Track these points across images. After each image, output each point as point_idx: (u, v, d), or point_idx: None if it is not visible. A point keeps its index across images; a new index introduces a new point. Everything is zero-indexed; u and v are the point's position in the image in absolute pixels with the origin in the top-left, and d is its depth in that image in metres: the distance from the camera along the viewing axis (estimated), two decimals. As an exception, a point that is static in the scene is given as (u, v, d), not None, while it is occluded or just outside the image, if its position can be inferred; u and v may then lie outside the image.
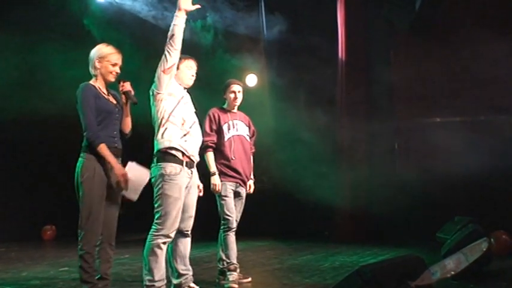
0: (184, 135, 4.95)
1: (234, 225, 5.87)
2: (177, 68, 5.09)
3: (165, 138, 4.90)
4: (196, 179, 5.30)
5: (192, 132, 5.03)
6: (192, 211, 5.20)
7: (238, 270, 5.86)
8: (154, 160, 4.94)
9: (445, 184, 9.04)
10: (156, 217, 4.90)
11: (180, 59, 5.12)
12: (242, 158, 5.95)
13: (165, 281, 4.97)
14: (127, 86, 4.83)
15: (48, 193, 10.39)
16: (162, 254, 4.87)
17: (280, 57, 10.56)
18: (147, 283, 4.87)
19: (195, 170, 5.18)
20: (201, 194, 5.46)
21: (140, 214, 11.03)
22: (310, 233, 10.21)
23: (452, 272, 5.01)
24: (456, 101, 9.50)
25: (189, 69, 5.22)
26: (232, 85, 6.03)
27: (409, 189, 9.26)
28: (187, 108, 5.09)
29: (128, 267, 7.03)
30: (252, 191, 6.12)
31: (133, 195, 4.71)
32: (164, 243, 4.87)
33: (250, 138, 6.15)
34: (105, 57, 4.72)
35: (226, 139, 5.90)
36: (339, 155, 10.06)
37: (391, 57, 10.33)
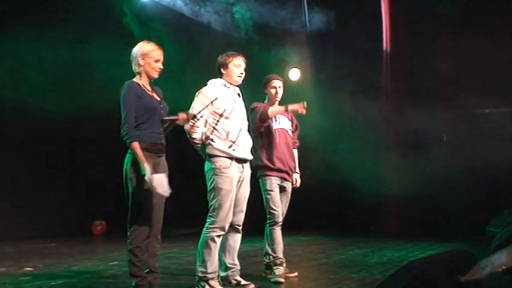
0: (230, 145, 5.11)
1: (280, 219, 5.86)
2: (226, 67, 5.26)
3: (213, 146, 5.09)
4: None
5: (239, 142, 5.16)
6: (243, 205, 5.29)
7: (284, 264, 5.86)
8: (206, 157, 5.14)
9: (494, 176, 8.86)
10: (210, 210, 5.07)
11: (229, 56, 5.28)
12: (285, 152, 5.94)
13: (217, 273, 5.10)
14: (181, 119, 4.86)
15: (98, 189, 10.56)
16: (215, 247, 5.03)
17: (323, 49, 10.48)
18: (200, 274, 5.04)
19: (247, 165, 5.30)
20: (298, 184, 5.85)
21: (187, 209, 11.19)
22: (356, 227, 10.13)
23: (503, 267, 4.90)
24: (505, 92, 9.28)
25: (238, 68, 5.29)
26: (273, 80, 6.02)
27: (457, 182, 9.11)
28: (232, 119, 5.16)
29: (176, 261, 7.11)
30: (298, 184, 6.11)
31: (161, 190, 4.69)
32: (218, 236, 5.04)
33: (292, 132, 6.14)
34: (148, 54, 4.77)
35: (271, 131, 5.90)
36: (386, 148, 9.94)
37: (437, 47, 10.14)
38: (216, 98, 5.14)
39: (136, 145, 4.60)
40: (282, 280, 5.68)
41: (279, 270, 5.76)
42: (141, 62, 4.77)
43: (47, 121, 9.31)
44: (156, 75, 4.83)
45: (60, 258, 7.53)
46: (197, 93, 5.20)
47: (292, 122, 6.17)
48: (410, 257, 7.06)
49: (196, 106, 5.13)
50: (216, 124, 5.12)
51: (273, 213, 5.83)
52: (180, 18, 10.07)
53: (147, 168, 4.53)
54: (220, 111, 5.13)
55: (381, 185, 9.65)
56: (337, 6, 10.13)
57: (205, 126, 5.13)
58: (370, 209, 9.92)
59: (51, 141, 10.05)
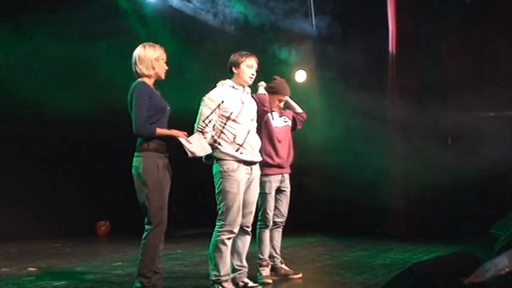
0: (238, 149, 5.10)
1: (271, 222, 5.90)
2: (238, 67, 5.22)
3: (220, 150, 5.08)
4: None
5: (246, 145, 5.15)
6: (252, 207, 5.29)
7: (269, 266, 5.89)
8: (214, 160, 5.13)
9: (499, 179, 8.84)
10: (219, 213, 5.08)
11: (242, 56, 5.24)
12: (284, 148, 5.95)
13: (231, 275, 5.12)
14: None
15: (102, 189, 10.57)
16: (226, 249, 5.05)
17: (329, 51, 10.45)
18: (213, 278, 5.06)
19: (256, 167, 5.29)
20: None
21: (191, 210, 11.20)
22: (361, 229, 10.11)
23: (507, 269, 4.90)
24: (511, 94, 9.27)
25: (249, 68, 5.25)
26: (284, 97, 6.00)
27: (462, 184, 9.08)
28: (240, 121, 5.14)
29: (180, 262, 7.11)
30: None
31: (197, 149, 4.82)
32: (228, 238, 5.05)
33: (291, 122, 6.13)
34: (160, 57, 4.84)
35: (270, 129, 5.90)
36: (391, 151, 9.92)
37: (443, 48, 10.12)
38: (223, 101, 5.11)
39: (159, 129, 4.69)
40: (269, 281, 5.73)
41: (265, 271, 5.81)
42: (155, 65, 4.81)
43: (51, 120, 9.28)
44: (164, 76, 4.90)
45: (64, 259, 7.54)
46: (203, 98, 5.16)
47: (287, 116, 6.14)
48: (414, 259, 7.05)
49: (203, 112, 5.10)
50: (223, 127, 5.09)
51: (266, 217, 5.86)
52: (180, 17, 10.03)
53: (179, 133, 4.74)
54: (227, 114, 5.10)
55: (386, 187, 9.63)
56: (343, 7, 10.09)
57: (213, 130, 5.10)
58: (376, 210, 9.89)
59: (56, 141, 10.02)
